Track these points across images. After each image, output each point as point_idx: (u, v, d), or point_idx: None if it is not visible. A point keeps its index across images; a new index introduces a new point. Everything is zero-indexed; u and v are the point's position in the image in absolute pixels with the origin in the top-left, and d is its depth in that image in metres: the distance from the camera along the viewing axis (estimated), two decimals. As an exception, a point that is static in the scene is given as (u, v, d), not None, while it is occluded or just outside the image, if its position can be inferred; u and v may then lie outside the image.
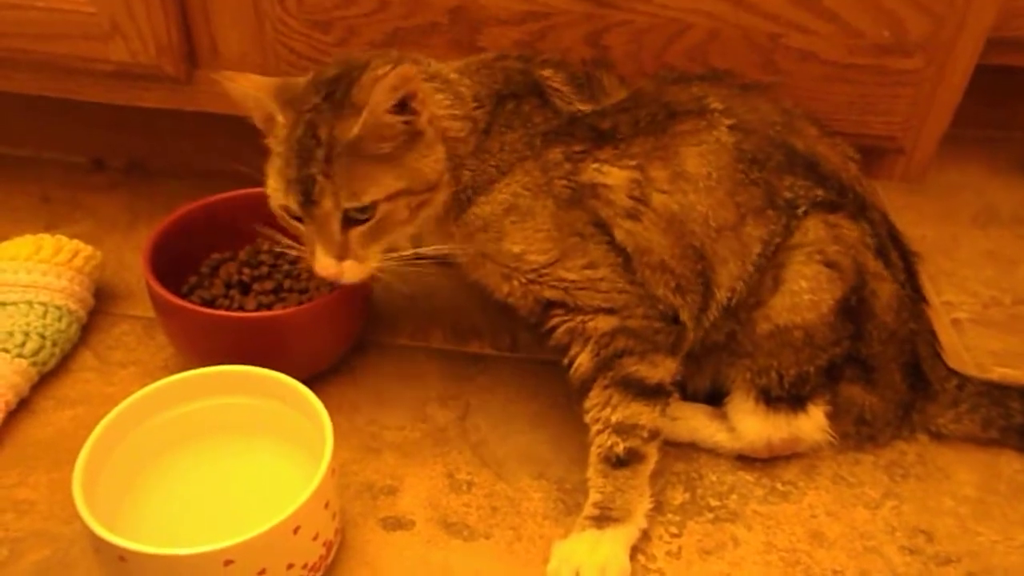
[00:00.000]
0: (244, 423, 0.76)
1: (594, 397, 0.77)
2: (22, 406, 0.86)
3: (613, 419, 0.75)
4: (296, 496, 0.65)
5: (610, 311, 0.76)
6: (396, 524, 0.78)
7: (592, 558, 0.72)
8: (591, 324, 0.77)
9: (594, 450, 0.76)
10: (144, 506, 0.73)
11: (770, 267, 0.78)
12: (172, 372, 0.90)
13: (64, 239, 0.94)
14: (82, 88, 1.00)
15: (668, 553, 0.76)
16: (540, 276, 0.77)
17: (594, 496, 0.75)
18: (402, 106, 0.70)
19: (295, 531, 0.64)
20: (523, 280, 0.77)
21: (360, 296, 0.87)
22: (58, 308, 0.90)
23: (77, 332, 0.93)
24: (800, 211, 0.78)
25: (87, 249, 0.95)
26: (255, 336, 0.82)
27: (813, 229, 0.78)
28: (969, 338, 1.01)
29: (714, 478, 0.84)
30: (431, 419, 0.88)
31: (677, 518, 0.79)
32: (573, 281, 0.76)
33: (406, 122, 0.71)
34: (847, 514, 0.80)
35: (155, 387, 0.74)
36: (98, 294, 0.98)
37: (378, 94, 0.68)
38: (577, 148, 0.76)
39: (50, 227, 1.08)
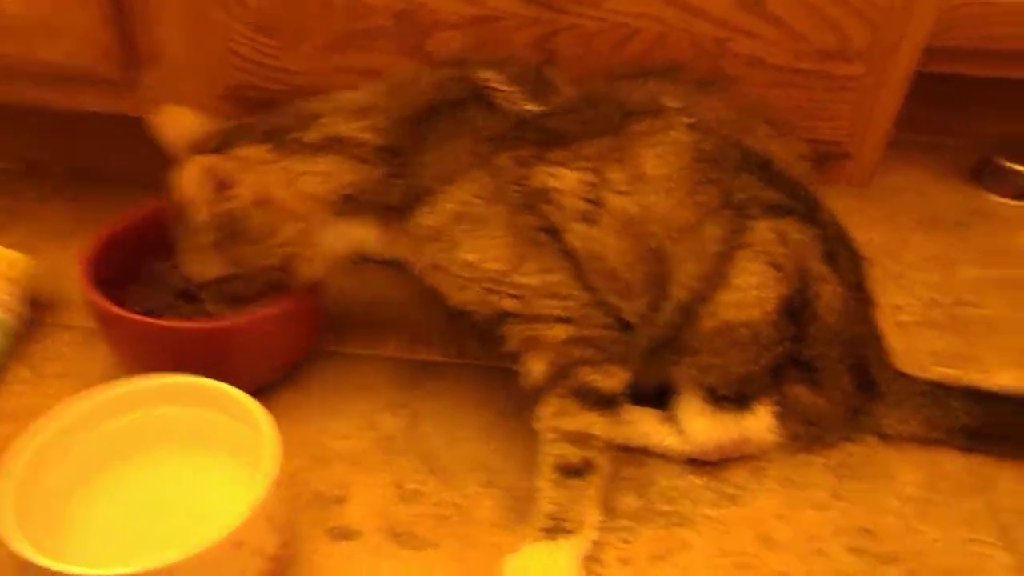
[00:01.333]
0: (186, 435, 0.74)
1: (548, 405, 0.76)
2: (-50, 421, 0.83)
3: (568, 428, 0.75)
4: (239, 511, 0.63)
5: (567, 320, 0.75)
6: (344, 534, 0.76)
7: (546, 573, 0.71)
8: (549, 333, 0.76)
9: (546, 459, 0.75)
10: (81, 523, 0.70)
11: (722, 263, 0.77)
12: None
13: (-3, 247, 0.91)
14: (15, 91, 0.97)
15: (620, 559, 0.76)
16: (497, 285, 0.76)
17: (546, 507, 0.74)
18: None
19: (237, 546, 0.62)
20: (479, 290, 0.76)
21: (309, 307, 0.85)
22: (-12, 319, 0.87)
23: (9, 343, 0.89)
24: (752, 212, 0.78)
25: (21, 258, 0.92)
26: (201, 347, 0.80)
27: (761, 232, 0.78)
28: (913, 339, 1.03)
29: (665, 483, 0.83)
30: (379, 427, 0.87)
31: (629, 524, 0.79)
32: (532, 288, 0.75)
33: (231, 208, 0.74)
34: (796, 516, 0.81)
35: (91, 397, 0.71)
36: (34, 305, 0.95)
37: (183, 187, 0.73)
38: (527, 152, 0.76)
39: (-15, 235, 1.05)
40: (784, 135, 0.84)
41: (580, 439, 0.75)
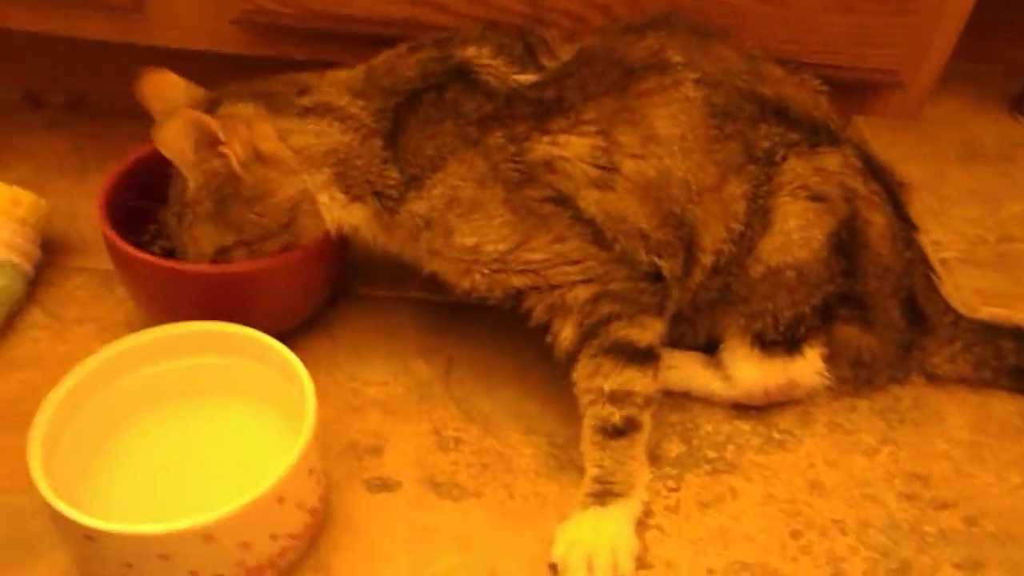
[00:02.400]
0: (217, 384, 0.71)
1: (583, 367, 0.73)
2: (-34, 368, 0.79)
3: (606, 388, 0.71)
4: (279, 463, 0.60)
5: (588, 281, 0.72)
6: (382, 485, 0.74)
7: (600, 539, 0.68)
8: (570, 295, 0.72)
9: (588, 423, 0.72)
10: (110, 476, 0.68)
11: (757, 212, 0.74)
12: (133, 328, 0.84)
13: (2, 186, 0.86)
14: (11, 15, 0.91)
15: (667, 508, 0.74)
16: (504, 265, 0.72)
17: (592, 471, 0.71)
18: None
19: (280, 501, 0.60)
20: (485, 272, 0.73)
21: (335, 247, 0.81)
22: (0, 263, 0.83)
23: (24, 288, 0.85)
24: (778, 157, 0.74)
25: (29, 196, 0.87)
26: (224, 291, 0.76)
27: (792, 168, 0.74)
28: (957, 277, 1.00)
29: (710, 428, 0.81)
30: (414, 373, 0.84)
31: (674, 471, 0.77)
32: (542, 260, 0.72)
33: (225, 165, 0.71)
34: (845, 462, 0.79)
35: (120, 346, 0.68)
36: (46, 246, 0.90)
37: (165, 144, 0.70)
38: (520, 128, 0.72)
39: (-17, 173, 1.00)
40: (796, 73, 0.80)
41: (620, 397, 0.72)
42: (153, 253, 0.81)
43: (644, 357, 0.73)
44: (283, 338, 0.71)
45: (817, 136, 0.76)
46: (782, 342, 0.78)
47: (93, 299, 0.88)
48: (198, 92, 0.79)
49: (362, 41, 0.87)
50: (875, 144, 1.01)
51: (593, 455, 0.72)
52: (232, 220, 0.74)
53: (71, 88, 1.12)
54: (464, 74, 0.74)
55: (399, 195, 0.74)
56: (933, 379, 0.85)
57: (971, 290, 0.97)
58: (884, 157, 0.82)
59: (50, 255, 0.91)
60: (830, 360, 0.80)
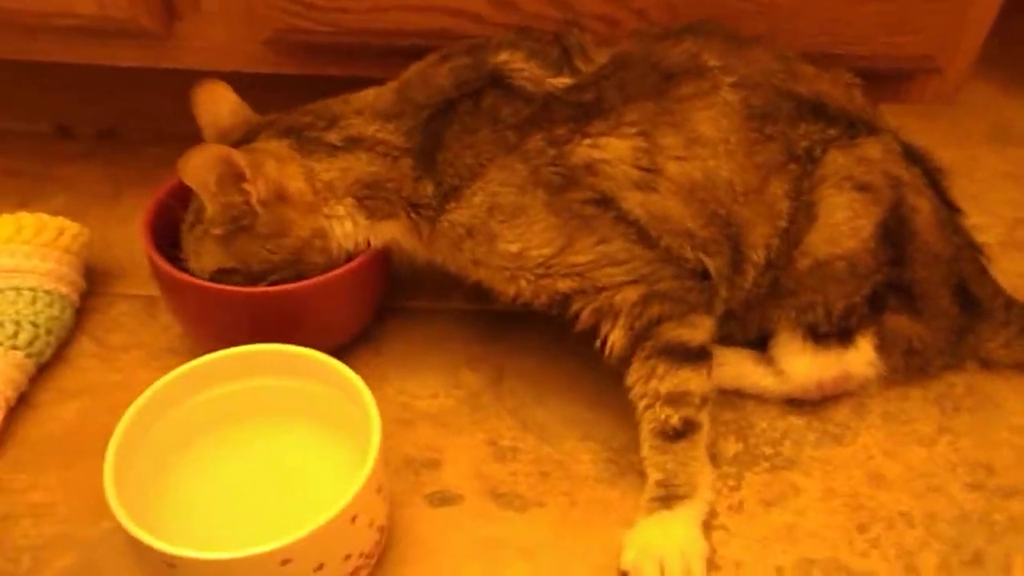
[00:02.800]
0: (276, 405, 0.71)
1: (636, 371, 0.72)
2: (22, 401, 0.80)
3: (662, 390, 0.71)
4: (346, 482, 0.60)
5: (635, 281, 0.72)
6: (443, 500, 0.74)
7: (669, 543, 0.68)
8: (618, 298, 0.72)
9: (646, 427, 0.72)
10: (178, 500, 0.67)
11: (803, 207, 0.74)
12: (179, 353, 0.85)
13: (46, 217, 0.86)
14: (45, 48, 0.91)
15: (730, 507, 0.74)
16: (549, 269, 0.72)
17: (655, 475, 0.71)
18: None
19: (352, 520, 0.59)
20: (531, 278, 0.73)
21: (382, 262, 0.81)
22: (48, 293, 0.83)
23: (72, 317, 0.86)
24: (818, 153, 0.74)
25: (73, 226, 0.87)
26: (275, 311, 0.76)
27: (833, 159, 0.74)
28: (1000, 261, 0.99)
29: (765, 425, 0.81)
30: (464, 384, 0.84)
31: (733, 470, 0.77)
32: (588, 262, 0.72)
33: (245, 202, 0.72)
34: (903, 453, 0.78)
35: (179, 372, 0.68)
36: (88, 274, 0.91)
37: (189, 175, 0.70)
38: (560, 131, 0.71)
39: (23, 204, 1.00)
40: (829, 69, 0.79)
41: (676, 399, 0.71)
42: (194, 275, 0.81)
43: (697, 356, 0.72)
44: (332, 353, 0.70)
45: (855, 128, 0.76)
46: (835, 333, 0.77)
47: (138, 325, 0.89)
48: (242, 112, 0.79)
49: (396, 54, 0.86)
50: (903, 132, 1.00)
51: (654, 459, 0.71)
52: (240, 251, 0.75)
53: (101, 117, 1.13)
54: (499, 80, 0.74)
55: (437, 207, 0.74)
56: (987, 365, 0.84)
57: (1015, 273, 0.96)
58: (915, 143, 0.82)
59: (91, 283, 0.91)
60: (881, 350, 0.79)
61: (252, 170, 0.71)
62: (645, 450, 0.72)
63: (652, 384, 0.72)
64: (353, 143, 0.75)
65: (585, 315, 0.74)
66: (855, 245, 0.74)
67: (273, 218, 0.73)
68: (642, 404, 0.72)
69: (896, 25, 0.86)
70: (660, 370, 0.71)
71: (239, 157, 0.70)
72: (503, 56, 0.75)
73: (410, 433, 0.79)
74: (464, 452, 0.77)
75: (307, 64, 0.91)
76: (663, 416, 0.71)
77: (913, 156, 0.80)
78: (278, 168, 0.73)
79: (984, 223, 1.04)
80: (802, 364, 0.78)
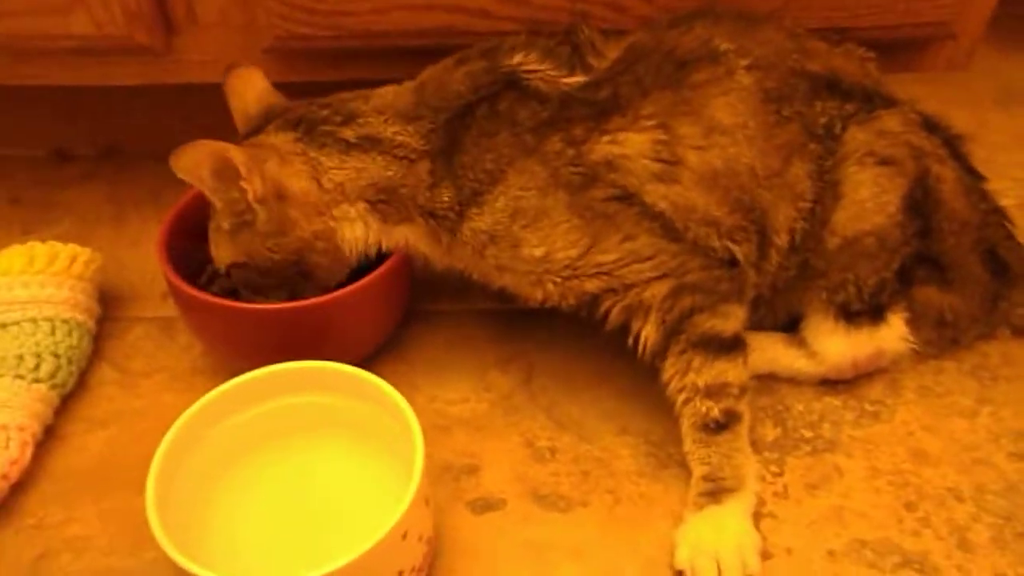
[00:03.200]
0: (314, 422, 0.70)
1: (672, 366, 0.71)
2: (49, 434, 0.78)
3: (700, 383, 0.70)
4: (392, 496, 0.59)
5: (663, 276, 0.71)
6: (486, 505, 0.73)
7: (724, 539, 0.67)
8: (647, 294, 0.71)
9: (687, 421, 0.71)
10: (220, 526, 0.66)
11: (827, 187, 0.73)
12: (202, 373, 0.84)
13: (58, 245, 0.85)
14: (41, 72, 0.89)
15: (775, 494, 0.73)
16: (576, 271, 0.71)
17: (700, 469, 0.70)
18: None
19: (403, 537, 0.58)
20: (557, 280, 0.72)
21: (406, 269, 0.80)
22: (66, 322, 0.81)
23: (90, 345, 0.84)
24: (838, 130, 0.73)
25: (84, 252, 0.86)
26: (298, 326, 0.75)
27: (853, 136, 0.73)
28: (1019, 224, 0.98)
29: (801, 407, 0.80)
30: (495, 386, 0.83)
31: (775, 455, 0.76)
32: (615, 260, 0.70)
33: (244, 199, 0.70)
34: (944, 427, 0.77)
35: (214, 395, 0.67)
36: (101, 299, 0.89)
37: (180, 168, 0.69)
38: (577, 131, 0.70)
39: (27, 232, 0.99)
40: (840, 44, 0.79)
41: (716, 391, 0.70)
42: (213, 294, 0.80)
43: (732, 346, 0.71)
44: (359, 364, 0.69)
45: (872, 103, 0.75)
46: (867, 311, 0.76)
47: (157, 348, 0.87)
48: (270, 99, 0.78)
49: (398, 55, 0.85)
50: (907, 99, 0.99)
51: (698, 453, 0.70)
52: (244, 246, 0.74)
53: (100, 137, 1.11)
54: (515, 83, 0.73)
55: (457, 214, 0.72)
56: (1019, 332, 0.84)
57: (1037, 237, 0.96)
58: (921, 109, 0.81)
59: (105, 308, 0.90)
60: (913, 323, 0.78)
61: (247, 167, 0.69)
62: (688, 445, 0.71)
63: (689, 378, 0.71)
64: (370, 143, 0.73)
65: (615, 313, 0.72)
66: (882, 220, 0.74)
67: (273, 216, 0.72)
68: (681, 399, 0.71)
69: (913, -8, 0.85)
70: (696, 363, 0.70)
71: (234, 153, 0.68)
72: (517, 58, 0.73)
73: (446, 440, 0.78)
74: (502, 455, 0.76)
75: (308, 71, 0.89)
76: (704, 409, 0.70)
77: (931, 125, 0.79)
78: (279, 166, 0.71)
79: (1000, 188, 1.02)
80: (835, 344, 0.78)
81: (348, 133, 0.73)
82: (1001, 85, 1.22)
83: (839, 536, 0.70)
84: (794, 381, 0.81)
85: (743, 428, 0.71)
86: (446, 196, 0.72)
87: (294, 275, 0.75)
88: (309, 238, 0.73)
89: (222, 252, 0.76)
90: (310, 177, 0.72)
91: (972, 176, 0.81)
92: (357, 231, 0.74)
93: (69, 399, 0.81)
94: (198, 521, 0.65)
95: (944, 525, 0.70)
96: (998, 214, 0.83)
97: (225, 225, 0.73)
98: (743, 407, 0.71)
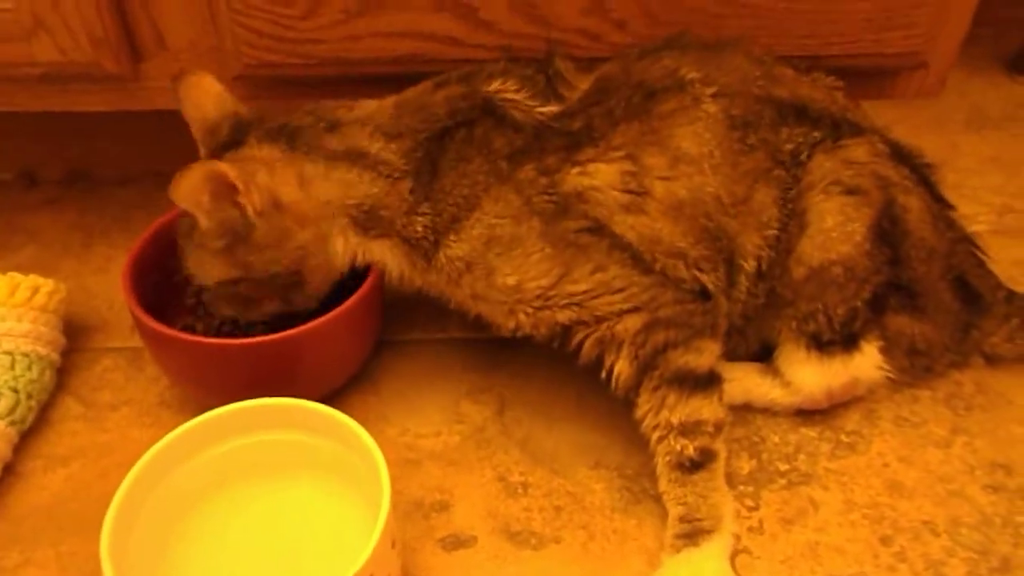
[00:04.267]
0: (278, 461, 0.69)
1: (645, 402, 0.70)
2: (7, 472, 0.76)
3: (675, 420, 0.69)
4: (359, 542, 0.58)
5: (636, 309, 0.70)
6: (456, 543, 0.71)
7: None
8: (619, 327, 0.70)
9: (661, 460, 0.70)
10: (184, 566, 0.64)
11: (792, 215, 0.73)
12: (170, 406, 0.82)
13: (18, 276, 0.83)
14: (7, 99, 0.87)
15: (750, 529, 0.72)
16: (547, 301, 0.70)
17: (676, 510, 0.69)
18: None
19: (369, 581, 0.57)
20: (529, 311, 0.71)
21: (378, 298, 0.79)
22: (26, 355, 0.79)
23: (52, 378, 0.82)
24: (803, 157, 0.73)
25: (47, 283, 0.83)
26: (270, 361, 0.73)
27: (819, 165, 0.73)
28: (992, 251, 0.98)
29: (776, 439, 0.79)
30: (467, 418, 0.81)
31: (750, 489, 0.75)
32: (585, 292, 0.70)
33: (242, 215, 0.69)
34: (919, 458, 0.77)
35: (175, 435, 0.65)
36: (67, 330, 0.87)
37: (181, 197, 0.67)
38: (550, 160, 0.70)
39: (-11, 260, 0.97)
40: (808, 73, 0.79)
41: (690, 429, 0.69)
42: (187, 329, 0.78)
43: (707, 382, 0.71)
44: (328, 397, 0.68)
45: (839, 130, 0.75)
46: (839, 340, 0.76)
47: (125, 380, 0.85)
48: (228, 104, 0.76)
49: (370, 82, 0.84)
50: (881, 125, 1.00)
51: (674, 493, 0.69)
52: (241, 261, 0.72)
53: (66, 161, 1.09)
54: (491, 110, 0.72)
55: (433, 240, 0.72)
56: (992, 361, 0.84)
57: (1009, 262, 0.96)
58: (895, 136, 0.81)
59: (71, 339, 0.88)
60: (886, 352, 0.78)
61: (244, 182, 0.68)
62: (663, 484, 0.70)
63: (663, 415, 0.70)
64: (355, 156, 0.72)
65: (588, 346, 0.72)
66: (849, 249, 0.73)
67: (271, 227, 0.71)
68: (655, 436, 0.70)
69: (885, 23, 0.85)
70: (670, 400, 0.70)
71: (229, 170, 0.67)
72: (495, 85, 0.73)
73: (417, 474, 0.77)
74: (474, 490, 0.75)
75: (280, 97, 0.88)
76: (678, 447, 0.69)
77: (901, 154, 0.79)
78: (269, 176, 0.70)
79: (972, 212, 1.04)
80: (809, 374, 0.77)
81: (334, 142, 0.72)
82: (972, 106, 1.22)
83: (814, 572, 0.69)
84: (769, 412, 0.81)
85: (719, 466, 0.70)
86: (419, 225, 0.72)
87: (287, 285, 0.74)
88: (305, 246, 0.72)
89: (210, 271, 0.74)
90: (298, 186, 0.71)
91: (940, 204, 0.81)
92: (343, 242, 0.74)
93: (29, 435, 0.79)
94: (161, 562, 0.63)
95: (920, 560, 0.69)
96: (966, 242, 0.83)
97: (215, 244, 0.72)
98: (719, 445, 0.70)
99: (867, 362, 0.77)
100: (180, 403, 0.82)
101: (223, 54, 0.84)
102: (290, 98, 0.89)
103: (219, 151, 0.73)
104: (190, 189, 0.67)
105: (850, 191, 0.73)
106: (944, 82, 0.92)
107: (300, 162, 0.71)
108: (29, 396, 0.78)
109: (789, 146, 0.73)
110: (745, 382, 0.80)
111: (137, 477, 0.62)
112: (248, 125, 0.74)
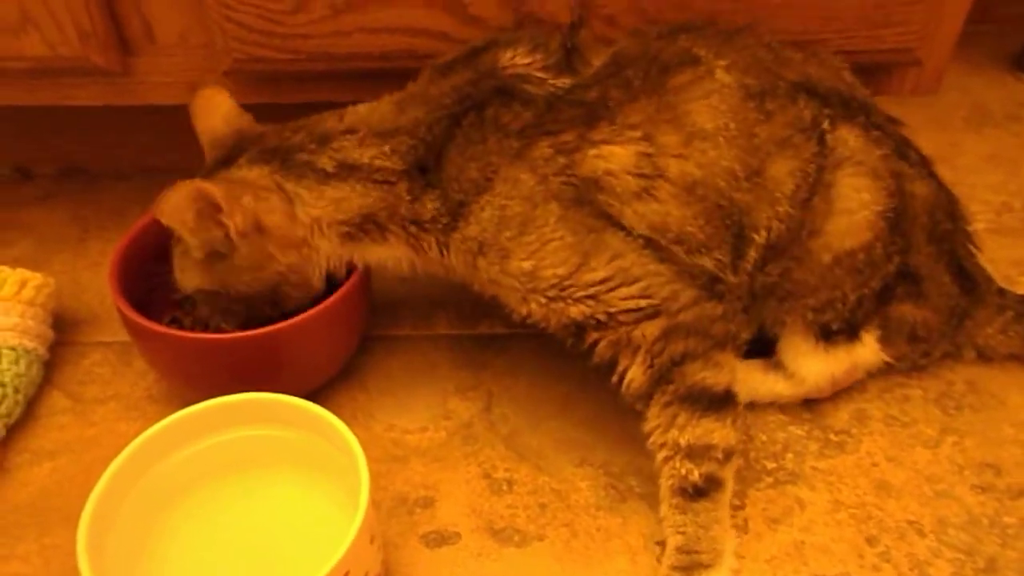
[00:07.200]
0: (261, 456, 0.68)
1: (655, 417, 0.67)
2: (-8, 465, 0.76)
3: (683, 441, 0.66)
4: (338, 536, 0.57)
5: (654, 313, 0.67)
6: (439, 539, 0.71)
7: None
8: (637, 333, 0.67)
9: (665, 482, 0.67)
10: (163, 566, 0.64)
11: (819, 189, 0.71)
12: (157, 401, 0.82)
13: (7, 270, 0.83)
14: (1, 93, 0.87)
15: (736, 527, 0.71)
16: (562, 291, 0.68)
17: (675, 539, 0.66)
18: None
19: (346, 575, 0.57)
20: (542, 300, 0.68)
21: (365, 293, 0.78)
22: (12, 349, 0.79)
23: (40, 372, 0.82)
24: (825, 125, 0.71)
25: (36, 277, 0.83)
26: (255, 355, 0.73)
27: (848, 139, 0.72)
28: (989, 249, 0.97)
29: (764, 437, 0.79)
30: (454, 414, 0.81)
31: (737, 487, 0.74)
32: (603, 281, 0.67)
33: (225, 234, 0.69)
34: (908, 457, 0.76)
35: (156, 429, 0.65)
36: (58, 324, 0.87)
37: (166, 215, 0.68)
38: (567, 137, 0.68)
39: (-17, 254, 0.97)
40: (816, 55, 0.77)
41: (698, 452, 0.66)
42: (174, 325, 0.78)
43: (722, 403, 0.67)
44: (315, 392, 0.68)
45: (849, 108, 0.74)
46: (845, 329, 0.75)
47: (113, 375, 0.85)
48: (237, 120, 0.76)
49: (361, 77, 0.84)
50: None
51: (674, 520, 0.66)
52: (219, 276, 0.72)
53: (61, 156, 1.09)
54: (503, 89, 0.71)
55: (445, 224, 0.70)
56: (984, 356, 0.83)
57: (1007, 262, 0.95)
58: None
59: (61, 332, 0.88)
60: (886, 340, 0.77)
61: (228, 203, 0.68)
62: (664, 509, 0.67)
63: (671, 434, 0.66)
64: (347, 170, 0.71)
65: (602, 347, 0.69)
66: (871, 237, 0.72)
67: (252, 250, 0.70)
68: (661, 455, 0.67)
69: (880, 19, 0.84)
70: (681, 419, 0.66)
71: (213, 190, 0.67)
72: (506, 57, 0.72)
73: (402, 470, 0.76)
74: (459, 487, 0.75)
75: (269, 93, 0.87)
76: (683, 471, 0.66)
77: (906, 141, 0.78)
78: (254, 199, 0.70)
79: (971, 210, 1.03)
80: (815, 364, 0.77)
81: (325, 161, 0.71)
82: (971, 105, 1.21)
83: (799, 572, 0.68)
84: (758, 409, 0.80)
85: (724, 497, 0.67)
86: (429, 207, 0.70)
87: (263, 303, 0.74)
88: (284, 271, 0.72)
89: (190, 278, 0.74)
90: (284, 212, 0.71)
91: (944, 193, 0.80)
92: (329, 258, 0.74)
93: (16, 429, 0.79)
94: (142, 557, 0.63)
95: (905, 560, 0.68)
96: (964, 234, 0.82)
97: (198, 255, 0.72)
98: (727, 474, 0.67)
99: (867, 350, 0.77)
100: (167, 398, 0.82)
101: (213, 49, 0.84)
102: (282, 94, 0.89)
103: (214, 167, 0.73)
104: (175, 208, 0.67)
105: (875, 175, 0.72)
106: (940, 79, 0.91)
107: (291, 186, 0.71)
108: (16, 390, 0.78)
109: (808, 113, 0.71)
110: (749, 381, 0.78)
111: (117, 472, 0.62)
112: (246, 143, 0.74)
